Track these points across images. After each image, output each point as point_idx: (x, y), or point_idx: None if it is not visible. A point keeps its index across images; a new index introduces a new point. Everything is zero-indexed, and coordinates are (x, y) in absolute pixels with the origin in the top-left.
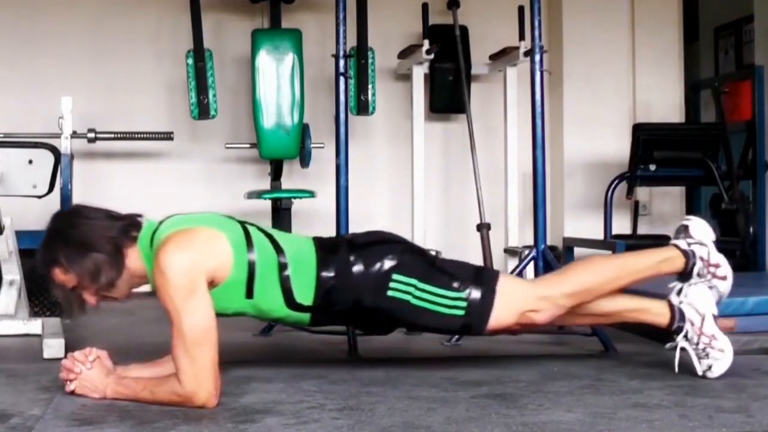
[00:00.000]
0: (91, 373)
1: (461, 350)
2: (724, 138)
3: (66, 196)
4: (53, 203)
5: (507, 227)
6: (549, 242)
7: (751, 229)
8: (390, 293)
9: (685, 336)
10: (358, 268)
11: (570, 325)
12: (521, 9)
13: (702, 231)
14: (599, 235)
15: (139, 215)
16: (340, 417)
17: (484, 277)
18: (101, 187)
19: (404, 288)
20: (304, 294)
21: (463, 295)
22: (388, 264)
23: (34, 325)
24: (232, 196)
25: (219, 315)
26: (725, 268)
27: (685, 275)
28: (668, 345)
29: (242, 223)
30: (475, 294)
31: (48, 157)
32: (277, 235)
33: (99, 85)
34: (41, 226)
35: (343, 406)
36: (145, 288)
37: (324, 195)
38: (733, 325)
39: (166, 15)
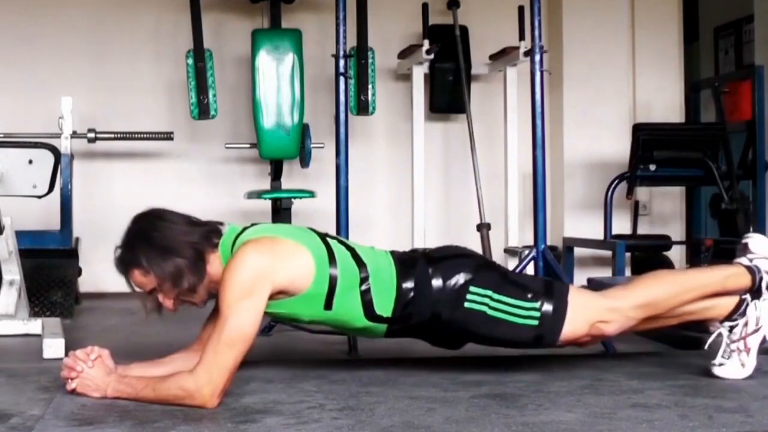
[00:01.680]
0: (93, 372)
1: (461, 351)
2: (724, 138)
3: (66, 196)
4: (53, 203)
5: (507, 227)
6: (549, 242)
7: (751, 229)
8: (467, 305)
9: (731, 329)
10: (436, 282)
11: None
12: (521, 9)
13: (763, 246)
14: (599, 235)
15: (221, 223)
16: (340, 417)
17: (556, 289)
18: (101, 187)
19: (480, 300)
20: (384, 305)
21: (536, 305)
22: (464, 277)
23: (34, 325)
24: (232, 196)
25: (292, 321)
26: None
27: (754, 291)
28: (713, 327)
29: (323, 237)
30: (548, 306)
31: (48, 157)
32: (358, 248)
33: (99, 85)
34: (41, 227)
35: (343, 406)
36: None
37: (324, 195)
38: None
39: (165, 15)
